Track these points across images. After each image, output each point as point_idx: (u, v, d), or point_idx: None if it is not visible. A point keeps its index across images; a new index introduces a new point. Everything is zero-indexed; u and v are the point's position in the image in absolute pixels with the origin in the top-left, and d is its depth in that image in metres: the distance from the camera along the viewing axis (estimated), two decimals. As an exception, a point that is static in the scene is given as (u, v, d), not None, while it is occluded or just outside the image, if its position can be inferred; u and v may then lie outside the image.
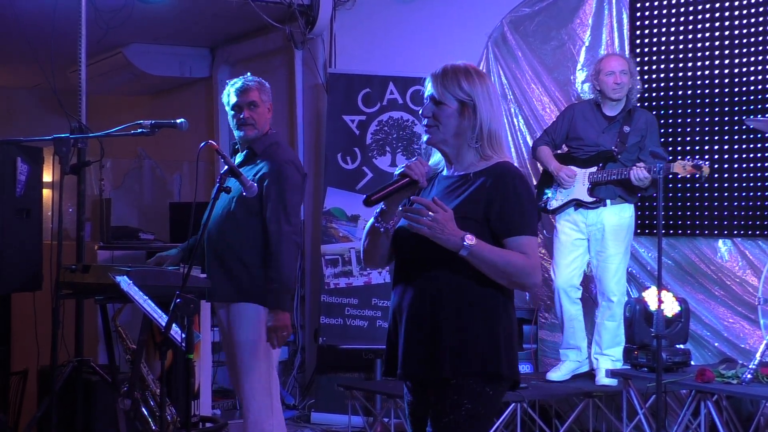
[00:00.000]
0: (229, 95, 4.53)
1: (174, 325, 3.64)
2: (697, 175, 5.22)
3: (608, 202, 5.66)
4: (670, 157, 5.27)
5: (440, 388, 2.79)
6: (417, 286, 2.84)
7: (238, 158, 4.55)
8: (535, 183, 6.18)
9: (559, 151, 5.96)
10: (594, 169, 5.68)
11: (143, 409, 4.52)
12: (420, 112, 2.93)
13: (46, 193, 6.16)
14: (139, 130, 4.63)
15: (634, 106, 5.72)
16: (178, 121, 4.54)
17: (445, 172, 2.96)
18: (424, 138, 2.92)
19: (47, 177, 5.63)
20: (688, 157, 5.30)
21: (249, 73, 4.62)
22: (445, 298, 2.79)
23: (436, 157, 2.99)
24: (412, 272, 2.86)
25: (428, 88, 2.91)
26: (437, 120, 2.87)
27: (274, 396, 4.58)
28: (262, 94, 4.52)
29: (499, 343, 2.78)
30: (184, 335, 3.53)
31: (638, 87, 5.75)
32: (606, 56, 5.81)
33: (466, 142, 2.87)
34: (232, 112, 4.53)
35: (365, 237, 2.96)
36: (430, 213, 2.71)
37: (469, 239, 2.71)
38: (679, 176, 5.44)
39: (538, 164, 6.20)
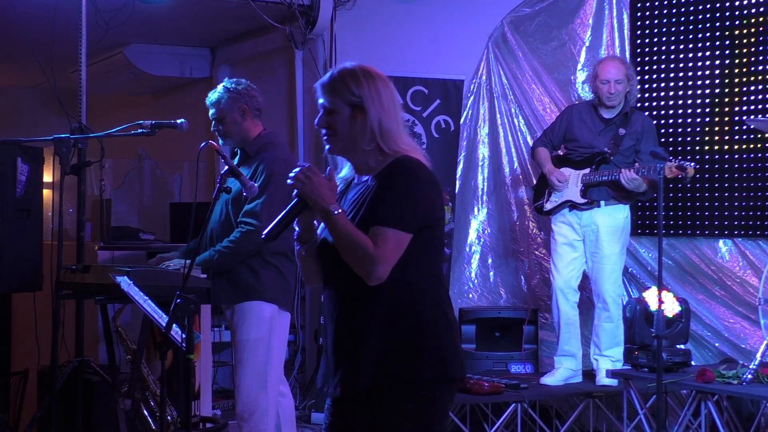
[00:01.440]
0: None
1: (174, 325, 3.64)
2: (680, 176, 5.06)
3: (602, 203, 5.66)
4: (671, 157, 5.24)
5: (373, 400, 2.70)
6: (332, 298, 2.80)
7: (235, 161, 4.61)
8: (534, 183, 6.19)
9: (559, 152, 5.97)
10: (587, 170, 5.68)
11: (143, 410, 4.52)
12: (315, 123, 2.84)
13: (47, 193, 6.15)
14: (140, 131, 4.64)
15: (631, 108, 5.72)
16: (179, 121, 4.56)
17: (355, 179, 2.88)
18: (326, 148, 2.85)
19: (47, 177, 5.63)
20: (677, 158, 5.24)
21: (226, 79, 4.68)
22: (363, 308, 2.71)
23: (346, 169, 2.91)
24: (328, 284, 2.83)
25: (318, 99, 2.84)
26: (333, 129, 2.79)
27: (285, 393, 4.63)
28: (225, 103, 4.54)
29: (421, 347, 2.68)
30: (184, 335, 3.53)
31: (637, 90, 5.75)
32: (604, 61, 5.77)
33: (363, 146, 2.77)
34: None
35: (298, 262, 2.94)
36: (308, 174, 2.70)
37: (336, 208, 2.68)
38: (668, 177, 5.21)
39: (530, 164, 6.26)
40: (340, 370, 2.76)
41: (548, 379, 5.72)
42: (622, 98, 5.66)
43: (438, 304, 2.77)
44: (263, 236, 2.81)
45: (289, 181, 2.74)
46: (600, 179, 5.59)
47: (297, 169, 2.74)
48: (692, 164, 5.03)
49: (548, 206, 5.83)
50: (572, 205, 5.72)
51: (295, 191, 2.78)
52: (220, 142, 4.63)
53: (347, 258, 2.69)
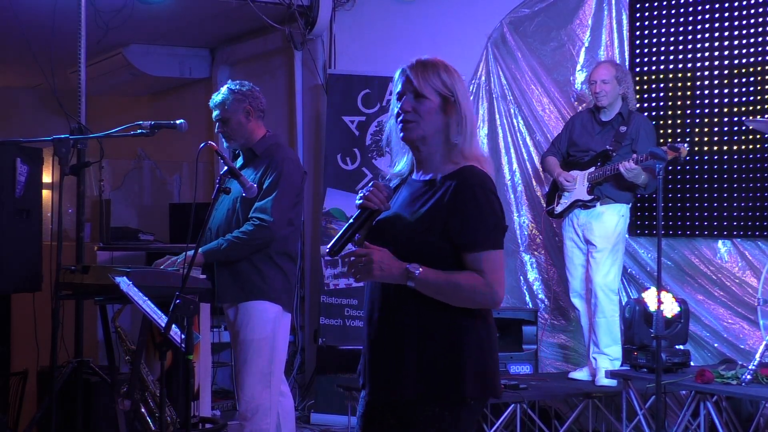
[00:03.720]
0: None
1: (173, 325, 3.64)
2: (677, 157, 5.14)
3: (597, 204, 5.75)
4: (671, 142, 5.30)
5: (410, 407, 2.67)
6: (382, 294, 2.73)
7: (238, 162, 4.61)
8: (547, 190, 6.21)
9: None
10: (592, 169, 5.76)
11: (143, 410, 4.52)
12: (399, 107, 2.73)
13: (46, 193, 6.15)
14: (139, 131, 4.64)
15: (630, 110, 5.76)
16: (178, 122, 4.56)
17: (413, 176, 2.81)
18: (400, 135, 2.74)
19: (47, 178, 5.63)
20: (669, 141, 5.37)
21: (230, 81, 4.69)
22: (407, 315, 2.67)
23: (401, 164, 2.84)
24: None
25: (403, 82, 2.77)
26: (418, 114, 2.70)
27: (285, 393, 4.62)
28: (230, 105, 4.55)
29: (465, 363, 2.63)
30: (183, 336, 3.53)
31: (633, 92, 5.78)
32: (596, 64, 5.93)
33: (444, 141, 2.71)
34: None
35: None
36: (363, 258, 2.61)
37: (413, 268, 2.60)
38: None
39: (541, 173, 6.30)
40: (378, 375, 2.72)
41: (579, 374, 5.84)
42: (612, 98, 5.74)
43: (483, 318, 2.71)
44: (327, 251, 2.77)
45: (348, 265, 2.67)
46: (604, 174, 5.67)
47: (353, 254, 2.64)
48: (685, 145, 5.13)
49: (559, 209, 5.93)
50: (582, 205, 5.79)
51: (359, 202, 2.74)
52: (224, 143, 4.64)
53: (459, 302, 2.63)
